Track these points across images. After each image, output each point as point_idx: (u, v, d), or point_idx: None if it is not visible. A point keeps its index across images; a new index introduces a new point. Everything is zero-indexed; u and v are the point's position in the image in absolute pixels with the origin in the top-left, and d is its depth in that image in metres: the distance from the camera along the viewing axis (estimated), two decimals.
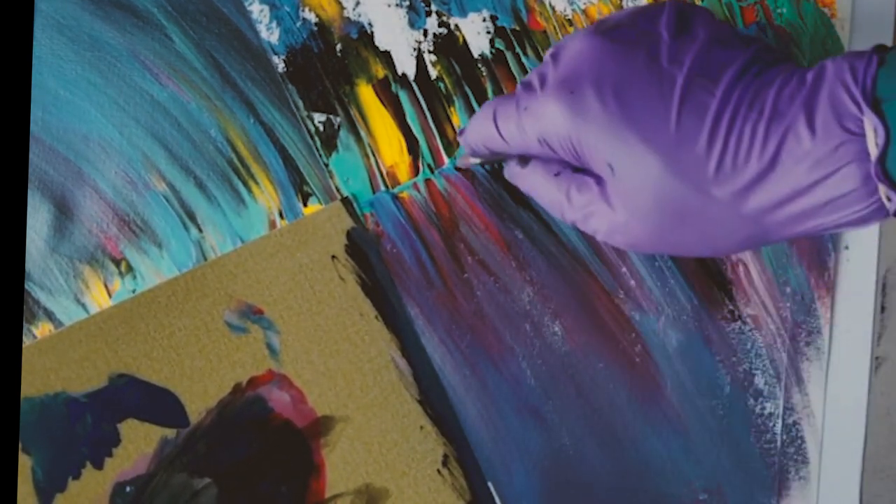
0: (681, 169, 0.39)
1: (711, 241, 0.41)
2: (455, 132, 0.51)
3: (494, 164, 0.50)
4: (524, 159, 0.45)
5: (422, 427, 0.50)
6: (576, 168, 0.43)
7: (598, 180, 0.41)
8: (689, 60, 0.40)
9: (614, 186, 0.40)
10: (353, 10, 0.50)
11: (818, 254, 0.53)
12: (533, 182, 0.44)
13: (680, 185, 0.39)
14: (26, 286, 0.46)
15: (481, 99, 0.51)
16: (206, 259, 0.48)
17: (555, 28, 0.52)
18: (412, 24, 0.50)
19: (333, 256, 0.49)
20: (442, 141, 0.50)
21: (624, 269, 0.52)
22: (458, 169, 0.50)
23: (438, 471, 0.50)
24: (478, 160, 0.47)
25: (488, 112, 0.44)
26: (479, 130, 0.45)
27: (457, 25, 0.51)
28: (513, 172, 0.45)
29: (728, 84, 0.39)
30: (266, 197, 0.49)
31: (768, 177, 0.38)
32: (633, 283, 0.52)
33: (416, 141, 0.50)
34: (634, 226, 0.41)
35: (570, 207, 0.42)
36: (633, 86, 0.40)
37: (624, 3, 0.52)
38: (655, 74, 0.40)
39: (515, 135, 0.43)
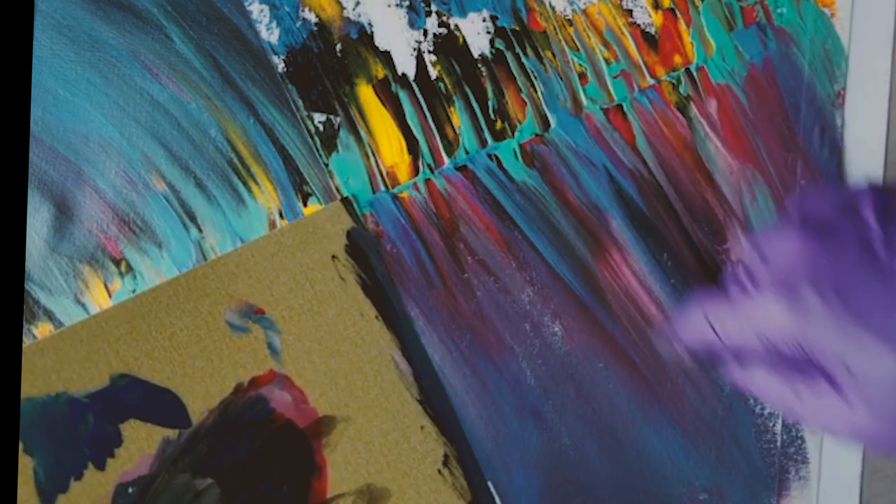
0: None
1: None
2: (455, 132, 0.51)
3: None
4: (741, 356, 0.44)
5: (422, 427, 0.49)
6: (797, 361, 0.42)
7: (828, 377, 0.40)
8: None
9: (854, 386, 0.39)
10: (353, 10, 0.50)
11: None
12: (756, 381, 0.43)
13: None
14: (26, 286, 0.46)
15: (481, 99, 0.51)
16: (206, 259, 0.48)
17: (555, 28, 0.52)
18: (412, 25, 0.50)
19: (334, 256, 0.49)
20: (442, 141, 0.50)
21: (625, 269, 0.52)
22: (460, 165, 0.50)
23: (439, 471, 0.49)
24: (690, 359, 0.48)
25: (698, 312, 0.43)
26: (692, 331, 0.44)
27: (457, 25, 0.51)
28: (733, 370, 0.45)
29: None
30: (266, 197, 0.49)
31: None
32: (633, 282, 0.52)
33: (416, 141, 0.50)
34: (880, 427, 0.39)
35: (802, 406, 0.41)
36: (853, 281, 0.39)
37: (623, 3, 0.52)
38: (874, 266, 0.39)
39: (734, 335, 0.42)
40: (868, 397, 0.38)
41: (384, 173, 0.50)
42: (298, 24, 0.49)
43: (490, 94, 0.51)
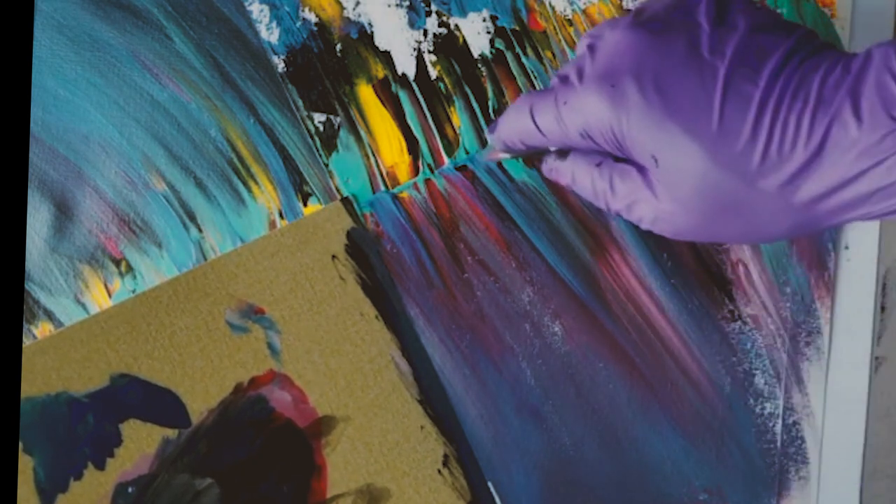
0: (725, 160, 0.38)
1: (757, 229, 0.40)
2: (455, 132, 0.51)
3: (525, 156, 0.49)
4: (562, 152, 0.44)
5: (422, 427, 0.50)
6: (617, 157, 0.42)
7: (641, 169, 0.41)
8: (730, 50, 0.39)
9: (658, 177, 0.40)
10: (353, 10, 0.50)
11: (818, 254, 0.53)
12: (574, 174, 0.44)
13: (725, 176, 0.39)
14: (26, 286, 0.46)
15: (481, 99, 0.51)
16: (206, 259, 0.48)
17: (555, 28, 0.52)
18: (412, 24, 0.50)
19: (334, 256, 0.49)
20: (442, 141, 0.50)
21: (624, 269, 0.52)
22: (460, 165, 0.50)
23: (439, 471, 0.49)
24: (508, 155, 0.47)
25: (524, 107, 0.44)
26: (514, 126, 0.44)
27: (457, 25, 0.51)
28: (551, 166, 0.45)
29: (771, 73, 0.39)
30: (266, 197, 0.49)
31: (814, 166, 0.38)
32: (633, 282, 0.52)
33: (416, 141, 0.50)
34: (679, 215, 0.40)
35: (614, 197, 0.42)
36: (674, 77, 0.39)
37: (624, 3, 0.52)
38: (696, 65, 0.39)
39: (555, 129, 0.42)
40: (671, 187, 0.40)
41: (384, 173, 0.50)
42: (298, 24, 0.49)
43: (490, 94, 0.51)
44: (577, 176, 0.44)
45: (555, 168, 0.45)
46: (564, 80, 0.42)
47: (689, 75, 0.39)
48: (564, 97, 0.42)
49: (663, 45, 0.40)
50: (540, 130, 0.43)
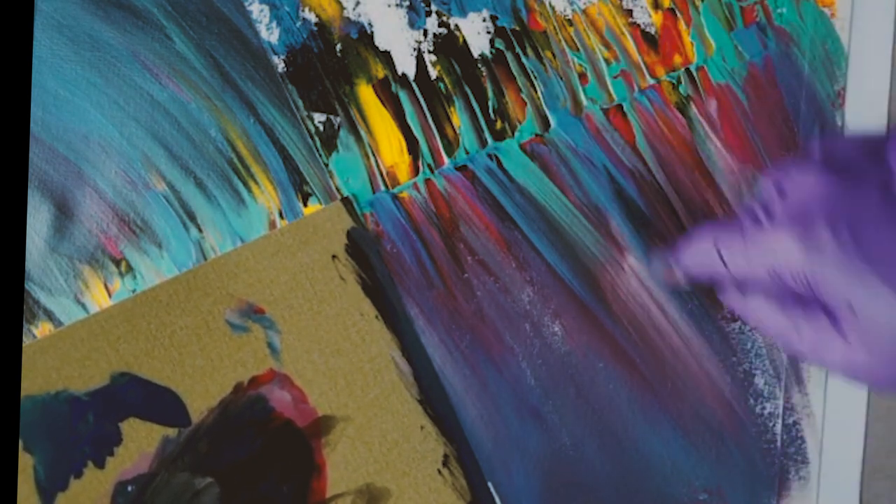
0: None
1: None
2: (455, 132, 0.51)
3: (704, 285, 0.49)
4: (743, 285, 0.44)
5: (422, 427, 0.49)
6: (798, 295, 0.42)
7: (830, 313, 0.40)
8: None
9: (854, 325, 0.39)
10: (353, 10, 0.50)
11: None
12: (757, 309, 0.43)
13: None
14: (26, 286, 0.46)
15: (481, 99, 0.51)
16: (206, 259, 0.48)
17: (555, 28, 0.52)
18: (412, 24, 0.50)
19: (334, 256, 0.49)
20: (442, 141, 0.50)
21: (626, 267, 0.52)
22: (460, 165, 0.50)
23: (439, 471, 0.49)
24: (685, 283, 0.48)
25: (708, 240, 0.43)
26: (698, 257, 0.44)
27: (457, 25, 0.51)
28: (733, 299, 0.45)
29: None
30: (266, 197, 0.49)
31: None
32: (633, 282, 0.52)
33: (416, 141, 0.50)
34: (874, 365, 0.39)
35: (800, 339, 0.41)
36: (870, 225, 0.39)
37: (623, 3, 0.52)
38: (891, 212, 0.39)
39: (742, 265, 0.42)
40: (867, 337, 0.39)
41: (384, 173, 0.50)
42: (298, 24, 0.49)
43: (490, 94, 0.51)
44: (760, 312, 0.43)
45: (736, 300, 0.44)
46: (753, 217, 0.42)
47: (885, 224, 0.38)
48: (753, 235, 0.41)
49: (856, 190, 0.39)
50: (725, 264, 0.43)
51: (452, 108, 0.51)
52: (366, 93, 0.50)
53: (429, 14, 0.50)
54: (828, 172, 0.40)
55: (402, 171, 0.50)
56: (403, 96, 0.50)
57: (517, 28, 0.51)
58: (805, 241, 0.39)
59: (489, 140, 0.51)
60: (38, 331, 0.46)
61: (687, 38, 0.53)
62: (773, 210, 0.41)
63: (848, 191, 0.40)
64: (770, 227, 0.41)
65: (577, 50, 0.52)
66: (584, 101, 0.52)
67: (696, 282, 0.47)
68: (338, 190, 0.50)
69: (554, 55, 0.52)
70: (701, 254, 0.44)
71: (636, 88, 0.53)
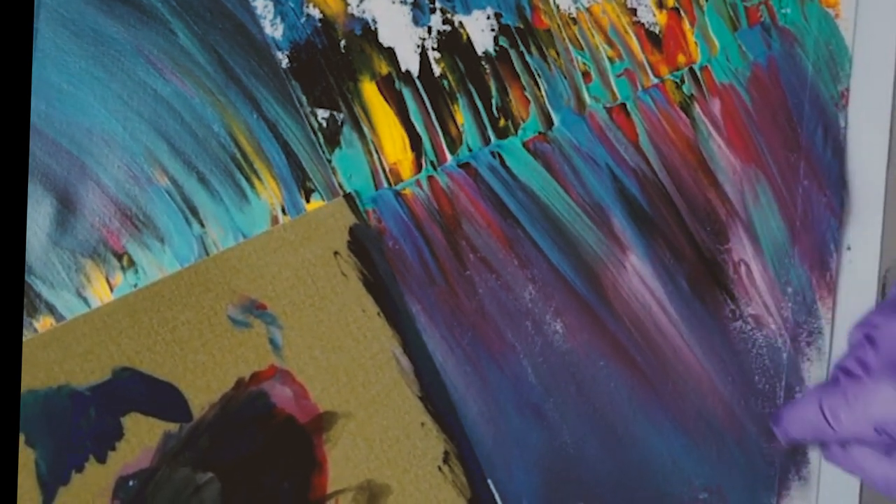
0: None
1: None
2: (458, 129, 0.51)
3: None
4: (846, 441, 0.45)
5: (423, 424, 0.49)
6: None
7: None
8: None
9: None
10: (358, 6, 0.50)
11: (820, 254, 0.53)
12: (863, 464, 0.44)
13: None
14: (28, 280, 0.46)
15: (485, 96, 0.51)
16: (208, 254, 0.48)
17: (559, 26, 0.52)
18: (416, 21, 0.50)
19: (336, 252, 0.49)
20: (445, 138, 0.50)
21: (628, 265, 0.52)
22: (463, 163, 0.50)
23: (439, 468, 0.49)
24: (789, 447, 0.48)
25: (813, 404, 0.44)
26: (805, 422, 0.45)
27: (461, 23, 0.51)
28: (836, 455, 0.45)
29: None
30: (268, 193, 0.49)
31: None
32: (635, 281, 0.52)
33: (419, 138, 0.50)
34: None
35: None
36: None
37: (627, 2, 0.52)
38: None
39: (847, 424, 0.42)
40: None
41: (387, 170, 0.50)
42: (303, 19, 0.49)
43: (494, 91, 0.51)
44: (867, 466, 0.43)
45: (840, 457, 0.45)
46: (848, 374, 0.42)
47: None
48: (853, 392, 0.41)
49: None
50: (831, 426, 0.43)
51: (456, 106, 0.51)
52: (369, 89, 0.50)
53: (433, 11, 0.50)
54: None
55: (405, 167, 0.50)
56: (407, 93, 0.50)
57: (521, 26, 0.51)
58: None
59: (492, 137, 0.51)
60: (39, 325, 0.46)
61: (691, 38, 0.53)
62: (868, 362, 0.42)
63: None
64: (867, 379, 0.41)
65: (581, 48, 0.52)
66: (588, 100, 0.52)
67: (800, 445, 0.47)
68: (340, 186, 0.50)
69: (558, 53, 0.52)
70: (808, 420, 0.45)
71: (640, 87, 0.53)
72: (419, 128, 0.50)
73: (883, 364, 0.41)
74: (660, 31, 0.53)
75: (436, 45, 0.51)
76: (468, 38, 0.51)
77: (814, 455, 0.54)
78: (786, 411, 0.46)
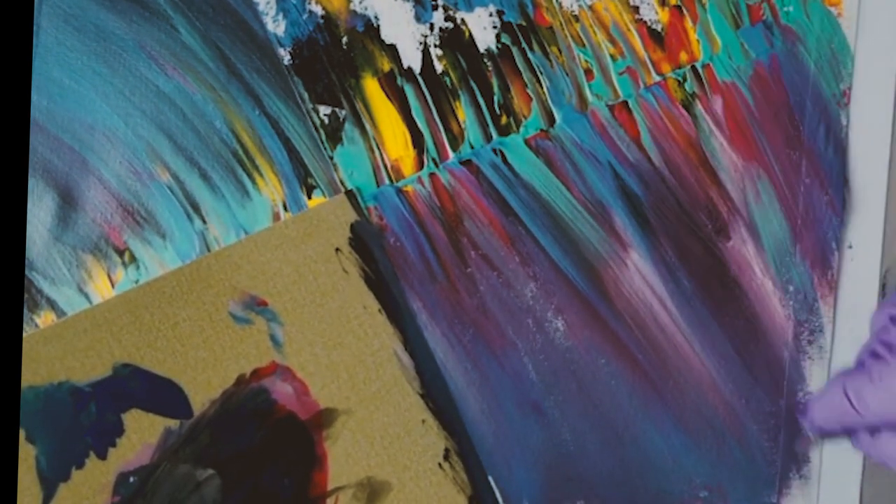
0: None
1: None
2: (460, 126, 0.51)
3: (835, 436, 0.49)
4: (873, 428, 0.44)
5: (423, 421, 0.49)
6: None
7: None
8: None
9: None
10: (360, 3, 0.50)
11: (822, 252, 0.53)
12: (890, 450, 0.43)
13: None
14: (29, 275, 0.46)
15: (487, 94, 0.51)
16: (209, 250, 0.48)
17: (561, 24, 0.52)
18: (418, 18, 0.50)
19: (337, 249, 0.49)
20: (447, 135, 0.50)
21: (629, 263, 0.52)
22: (465, 160, 0.50)
23: (440, 465, 0.49)
24: (820, 440, 0.48)
25: (837, 389, 0.43)
26: (831, 409, 0.45)
27: (463, 20, 0.51)
28: (865, 442, 0.45)
29: None
30: (270, 189, 0.49)
31: None
32: (637, 279, 0.52)
33: (421, 135, 0.50)
34: None
35: None
36: None
37: (631, 0, 0.52)
38: None
39: (875, 408, 0.42)
40: None
41: (388, 167, 0.50)
42: (305, 16, 0.49)
43: (496, 88, 0.51)
44: (892, 447, 0.43)
45: (868, 444, 0.45)
46: (876, 356, 0.42)
47: None
48: (880, 374, 0.41)
49: None
50: (857, 411, 0.43)
51: (458, 103, 0.51)
52: (371, 86, 0.50)
53: (435, 8, 0.50)
54: None
55: (407, 164, 0.50)
56: (409, 90, 0.50)
57: (523, 23, 0.51)
58: None
59: (494, 135, 0.51)
60: (40, 320, 0.46)
61: (693, 36, 0.53)
62: (892, 342, 0.41)
63: None
64: (893, 360, 0.41)
65: (584, 46, 0.52)
66: (590, 98, 0.52)
67: (830, 435, 0.47)
68: (342, 183, 0.50)
69: (560, 51, 0.52)
70: (834, 406, 0.44)
71: (642, 85, 0.53)
72: (421, 125, 0.50)
73: None
74: (662, 29, 0.53)
75: (438, 42, 0.51)
76: (470, 35, 0.51)
77: (815, 454, 0.54)
78: (812, 400, 0.46)
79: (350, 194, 0.49)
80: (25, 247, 0.46)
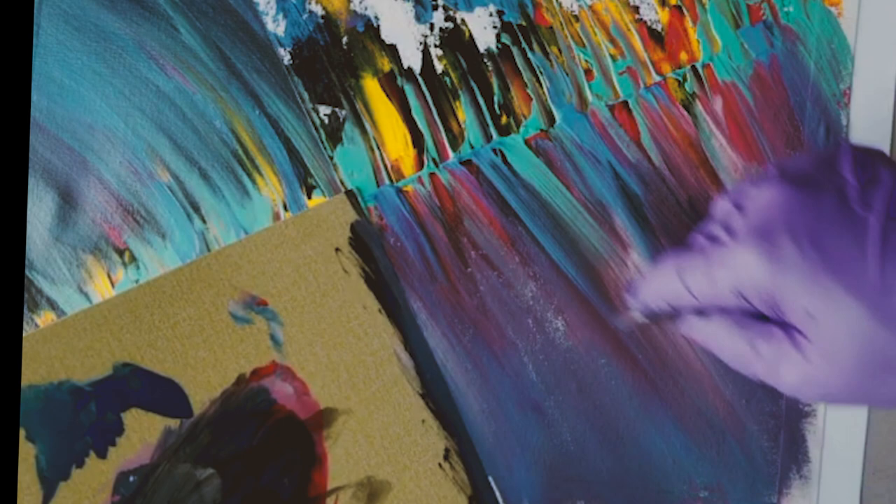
0: (888, 317, 0.37)
1: None
2: (460, 126, 0.51)
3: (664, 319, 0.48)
4: (701, 312, 0.44)
5: (423, 421, 0.50)
6: (758, 317, 0.42)
7: (788, 331, 0.40)
8: (880, 204, 0.39)
9: (814, 336, 0.39)
10: (360, 3, 0.50)
11: None
12: (715, 335, 0.43)
13: (887, 334, 0.37)
14: (30, 275, 0.46)
15: (487, 94, 0.51)
16: (209, 250, 0.48)
17: (561, 24, 0.52)
18: (418, 18, 0.50)
19: (337, 249, 0.49)
20: (447, 135, 0.50)
21: (629, 263, 0.52)
22: (465, 160, 0.50)
23: (440, 465, 0.50)
24: (645, 319, 0.47)
25: (670, 269, 0.43)
26: (661, 288, 0.44)
27: (463, 20, 0.51)
28: (692, 325, 0.45)
29: None
30: (270, 189, 0.49)
31: None
32: (637, 278, 0.52)
33: (421, 135, 0.50)
34: (832, 376, 0.39)
35: (757, 358, 0.41)
36: (828, 234, 0.39)
37: (631, 0, 0.52)
38: (849, 221, 0.39)
39: (707, 289, 0.42)
40: (828, 347, 0.39)
41: (388, 167, 0.50)
42: (305, 16, 0.49)
43: (496, 88, 0.51)
44: (718, 336, 0.43)
45: (694, 327, 0.44)
46: (713, 238, 0.42)
47: (843, 231, 0.39)
48: (716, 256, 0.41)
49: (814, 200, 0.40)
50: (690, 291, 0.43)
51: (458, 103, 0.51)
52: (371, 86, 0.50)
53: (435, 8, 0.50)
54: (785, 185, 0.40)
55: (407, 164, 0.50)
56: (409, 90, 0.50)
57: (523, 23, 0.51)
58: (768, 253, 0.39)
59: (494, 135, 0.51)
60: (40, 320, 0.46)
61: (693, 36, 0.53)
62: (733, 227, 0.41)
63: (806, 201, 0.40)
64: (731, 243, 0.41)
65: (584, 46, 0.52)
66: (590, 98, 0.52)
67: (655, 315, 0.47)
68: (342, 183, 0.50)
69: (560, 51, 0.52)
70: (664, 285, 0.44)
71: (642, 85, 0.53)
72: (421, 125, 0.50)
73: (750, 229, 0.40)
74: (662, 29, 0.53)
75: (438, 42, 0.51)
76: (470, 35, 0.51)
77: (815, 454, 0.54)
78: (642, 280, 0.46)
79: (350, 194, 0.49)
80: (25, 247, 0.46)
